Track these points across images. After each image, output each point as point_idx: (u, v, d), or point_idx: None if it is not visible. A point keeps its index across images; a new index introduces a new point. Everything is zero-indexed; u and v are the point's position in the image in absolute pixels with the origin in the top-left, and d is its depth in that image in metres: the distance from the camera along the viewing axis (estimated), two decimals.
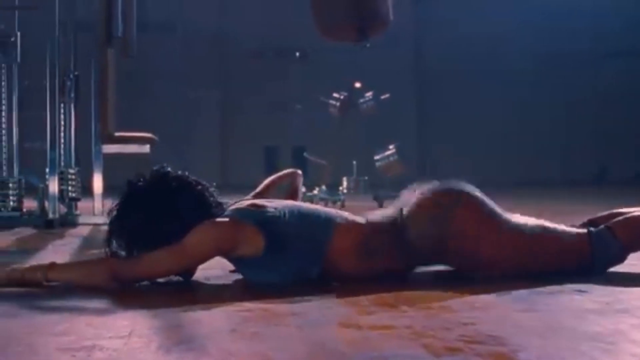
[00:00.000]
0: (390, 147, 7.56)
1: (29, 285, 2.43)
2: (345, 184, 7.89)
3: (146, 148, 5.58)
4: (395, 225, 2.58)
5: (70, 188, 5.49)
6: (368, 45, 4.11)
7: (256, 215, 2.51)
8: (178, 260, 2.42)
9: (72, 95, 5.58)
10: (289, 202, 2.67)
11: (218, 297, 2.34)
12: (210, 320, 1.98)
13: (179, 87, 11.45)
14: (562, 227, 2.66)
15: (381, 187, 7.60)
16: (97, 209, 5.53)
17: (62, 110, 5.55)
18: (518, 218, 2.65)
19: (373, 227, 2.59)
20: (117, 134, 5.50)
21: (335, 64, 10.92)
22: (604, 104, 12.43)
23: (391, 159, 7.53)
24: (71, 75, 5.58)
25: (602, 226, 2.65)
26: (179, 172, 2.60)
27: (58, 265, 2.52)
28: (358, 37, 4.27)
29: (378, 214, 2.68)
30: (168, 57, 11.19)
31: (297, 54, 9.90)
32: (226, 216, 2.52)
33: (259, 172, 10.68)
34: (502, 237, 2.54)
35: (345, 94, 8.00)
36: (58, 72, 5.36)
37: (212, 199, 2.59)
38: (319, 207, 2.71)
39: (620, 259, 2.66)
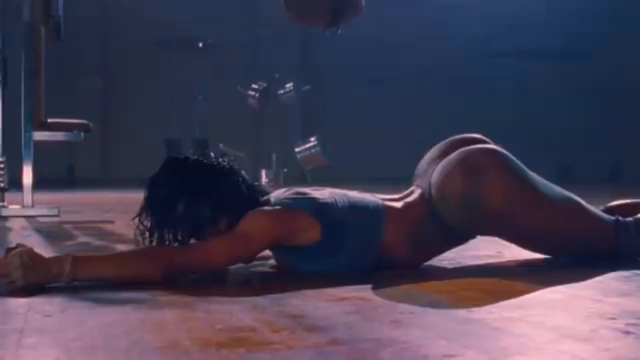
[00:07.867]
0: (312, 139, 7.45)
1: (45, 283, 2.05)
2: (264, 176, 7.73)
3: (80, 135, 5.26)
4: (427, 204, 2.48)
5: None
6: (339, 31, 3.98)
7: (309, 203, 2.37)
8: (235, 249, 2.24)
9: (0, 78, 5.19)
10: (331, 189, 2.53)
11: (289, 286, 2.13)
12: (320, 310, 1.81)
13: (62, 76, 10.93)
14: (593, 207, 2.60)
15: (304, 181, 7.49)
16: (26, 201, 5.16)
17: None
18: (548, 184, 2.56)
19: (411, 209, 2.48)
20: (49, 120, 5.17)
21: (237, 57, 10.74)
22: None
23: (312, 150, 7.42)
24: None
25: (630, 219, 2.60)
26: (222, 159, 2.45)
27: (84, 258, 2.14)
28: (330, 22, 4.12)
29: (407, 193, 2.58)
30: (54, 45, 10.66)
31: (200, 44, 9.64)
32: (277, 204, 2.37)
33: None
34: (538, 199, 2.42)
35: (264, 84, 7.83)
36: None
37: (256, 186, 2.45)
38: (358, 192, 2.58)
39: None
